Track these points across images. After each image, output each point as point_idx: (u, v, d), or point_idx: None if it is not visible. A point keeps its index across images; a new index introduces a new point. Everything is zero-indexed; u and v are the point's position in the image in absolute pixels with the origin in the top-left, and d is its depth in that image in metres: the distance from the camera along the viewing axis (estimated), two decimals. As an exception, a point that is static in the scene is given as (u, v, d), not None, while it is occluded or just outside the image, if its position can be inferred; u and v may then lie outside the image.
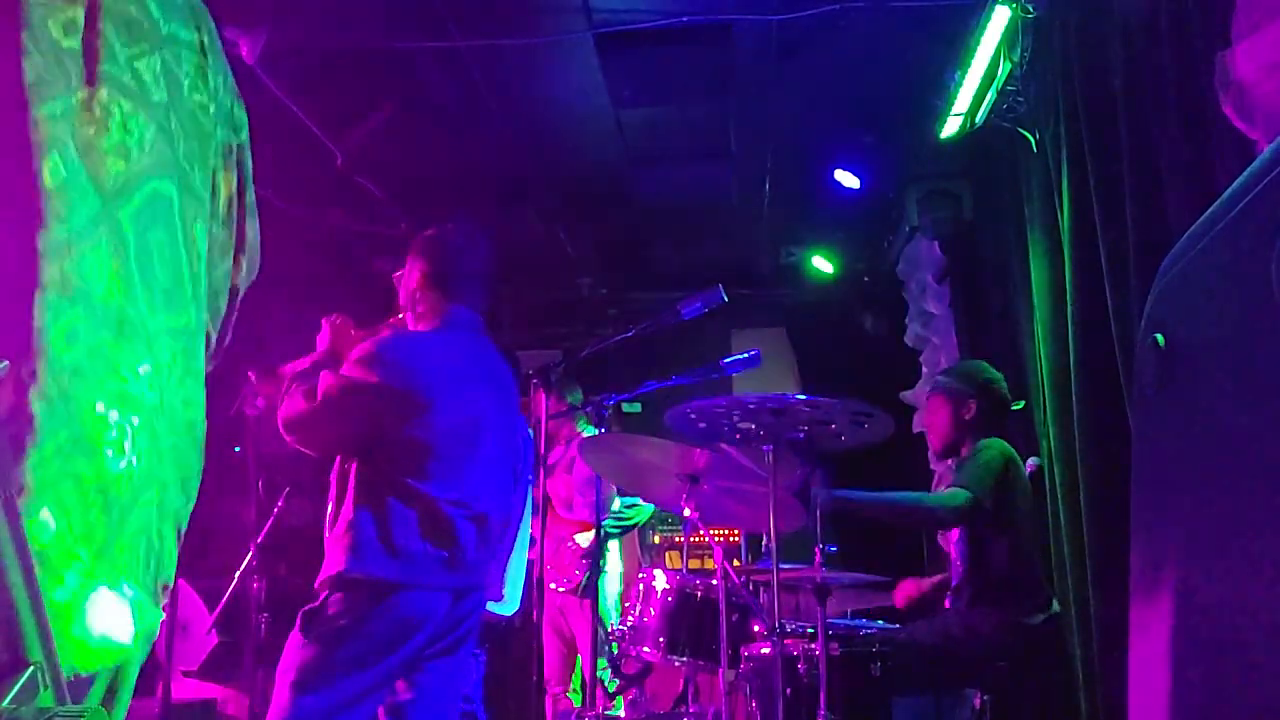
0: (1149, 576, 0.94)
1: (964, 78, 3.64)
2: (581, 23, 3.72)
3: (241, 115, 1.33)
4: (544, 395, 3.03)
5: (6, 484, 0.83)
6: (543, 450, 2.99)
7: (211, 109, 1.24)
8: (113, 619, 1.00)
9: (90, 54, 1.06)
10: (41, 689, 0.83)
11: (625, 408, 6.02)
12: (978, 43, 3.46)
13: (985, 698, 3.00)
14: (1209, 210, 0.83)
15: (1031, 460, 3.61)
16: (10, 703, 0.79)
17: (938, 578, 3.60)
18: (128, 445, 1.04)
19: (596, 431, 4.14)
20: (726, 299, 2.92)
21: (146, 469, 1.09)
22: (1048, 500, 3.51)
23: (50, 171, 1.00)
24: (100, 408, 1.01)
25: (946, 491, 3.11)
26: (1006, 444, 3.24)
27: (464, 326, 2.66)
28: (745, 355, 3.04)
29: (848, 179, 4.73)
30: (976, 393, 3.34)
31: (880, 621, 3.37)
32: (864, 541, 4.83)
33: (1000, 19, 3.33)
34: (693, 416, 2.65)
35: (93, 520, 0.98)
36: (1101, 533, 3.01)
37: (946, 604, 3.35)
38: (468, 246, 2.74)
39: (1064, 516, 3.32)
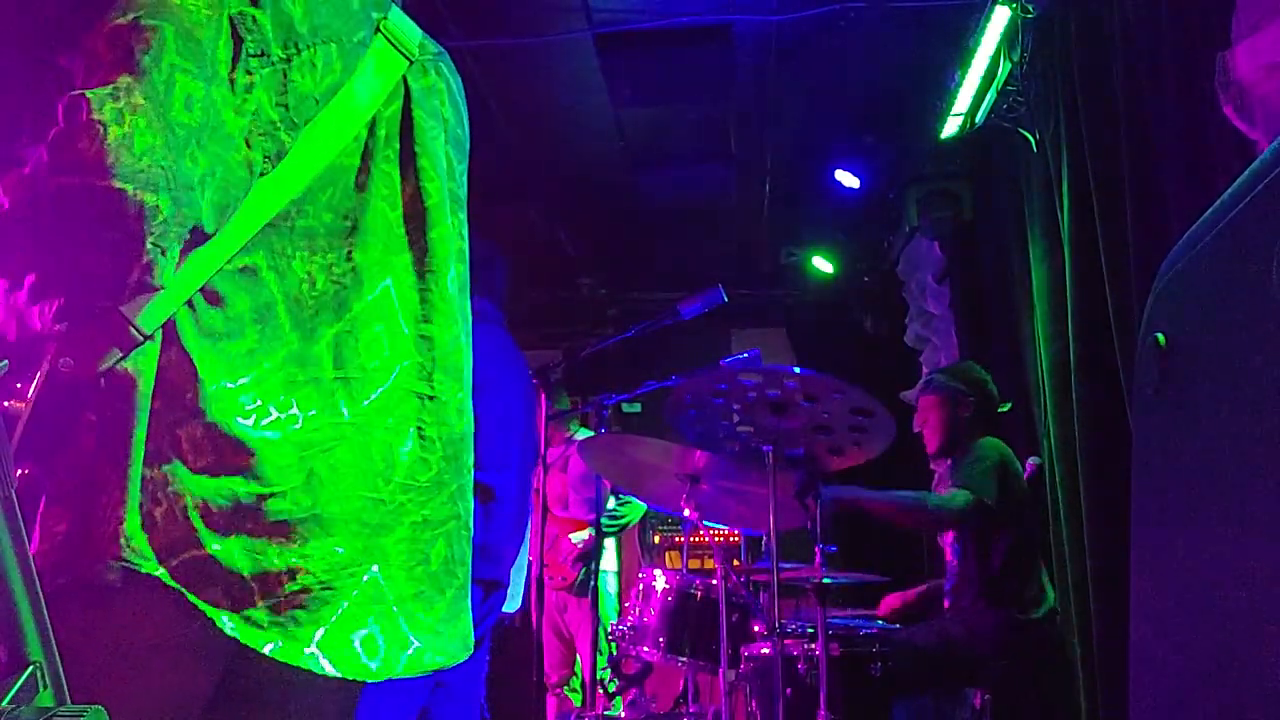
0: (1149, 575, 0.94)
1: (964, 78, 3.64)
2: (581, 23, 3.72)
3: None
4: (544, 396, 3.04)
5: (6, 483, 0.83)
6: (542, 449, 3.00)
7: None
8: (469, 622, 1.26)
9: (451, 172, 1.27)
10: (41, 689, 0.83)
11: (625, 408, 6.02)
12: (978, 43, 3.45)
13: (985, 697, 3.00)
14: (1209, 210, 0.83)
15: (1031, 460, 3.61)
16: (10, 703, 0.79)
17: (922, 588, 3.61)
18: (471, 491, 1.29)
19: (590, 433, 4.14)
20: (726, 299, 2.93)
21: None
22: (1048, 500, 3.51)
23: (448, 282, 1.21)
24: (470, 464, 1.27)
25: (948, 492, 3.12)
26: (1003, 444, 3.25)
27: (485, 318, 2.65)
28: (745, 355, 3.05)
29: (848, 179, 4.73)
30: (974, 391, 3.36)
31: (880, 621, 3.37)
32: (864, 542, 4.83)
33: (1000, 19, 3.33)
34: (689, 404, 2.64)
35: (464, 550, 1.23)
36: (1101, 532, 3.01)
37: (945, 605, 3.35)
38: (484, 247, 2.80)
39: (1064, 516, 3.32)
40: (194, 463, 0.99)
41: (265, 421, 1.03)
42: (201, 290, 1.02)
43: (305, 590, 1.03)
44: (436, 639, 1.15)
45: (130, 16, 0.94)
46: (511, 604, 3.73)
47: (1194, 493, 0.84)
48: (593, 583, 4.16)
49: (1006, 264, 4.17)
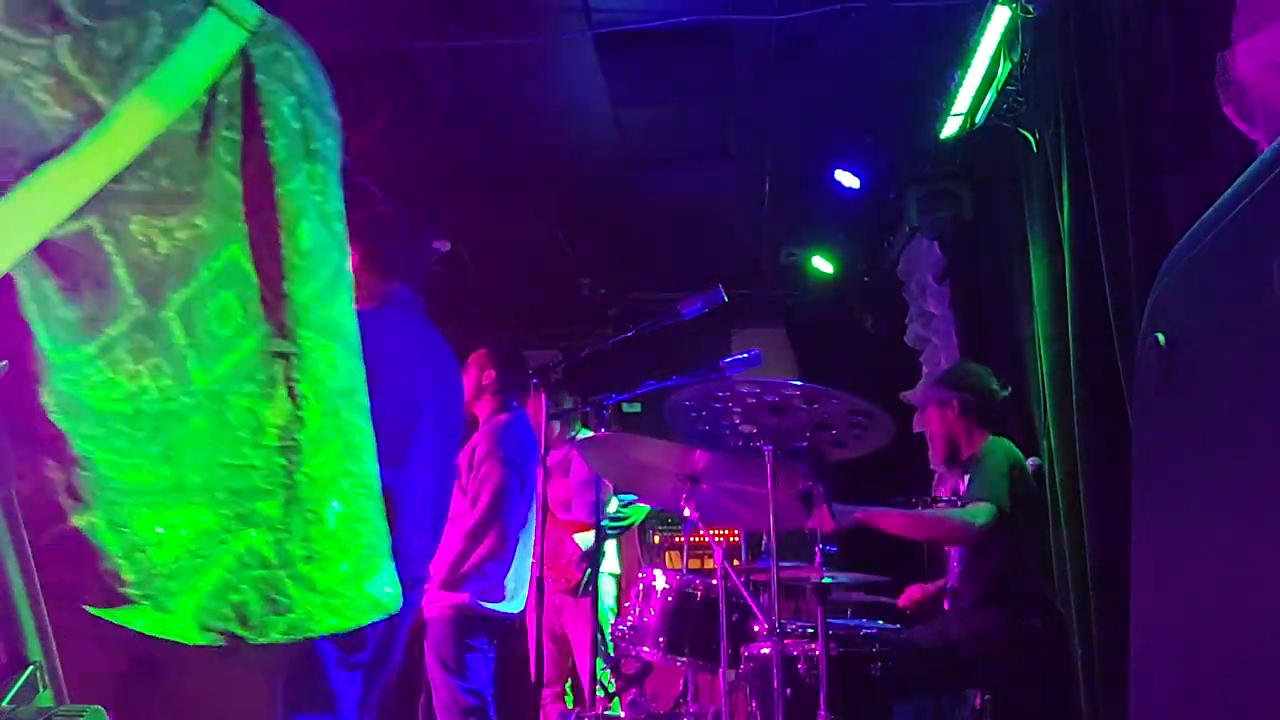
0: (1149, 576, 0.94)
1: (964, 78, 3.64)
2: (581, 23, 3.72)
3: None
4: (544, 396, 3.04)
5: (6, 482, 0.83)
6: (543, 451, 3.00)
7: None
8: (385, 583, 1.22)
9: (307, 134, 1.26)
10: (41, 689, 0.83)
11: (625, 408, 6.02)
12: (978, 43, 3.45)
13: (985, 698, 3.00)
14: (1209, 210, 0.83)
15: (1031, 460, 3.61)
16: (9, 702, 0.79)
17: (941, 582, 3.60)
18: (371, 449, 1.27)
19: (587, 433, 4.11)
20: (726, 299, 2.93)
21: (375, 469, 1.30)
22: (1048, 500, 3.51)
23: (302, 237, 1.19)
24: (359, 420, 1.24)
25: (971, 507, 3.08)
26: (1010, 444, 3.25)
27: (405, 306, 2.53)
28: (745, 355, 3.05)
29: (848, 179, 4.73)
30: (953, 388, 3.38)
31: (880, 621, 3.37)
32: (864, 542, 4.83)
33: (1000, 19, 3.33)
34: (689, 408, 2.64)
35: (364, 507, 1.21)
36: (1101, 532, 3.01)
37: (945, 605, 3.35)
38: (406, 226, 2.67)
39: (1064, 516, 3.32)
40: (51, 435, 0.99)
41: (114, 394, 1.03)
42: (34, 256, 1.01)
43: (175, 561, 1.03)
44: (336, 600, 1.14)
45: None
46: (515, 605, 3.74)
47: (1194, 492, 0.84)
48: (593, 584, 4.16)
49: (1006, 264, 4.17)
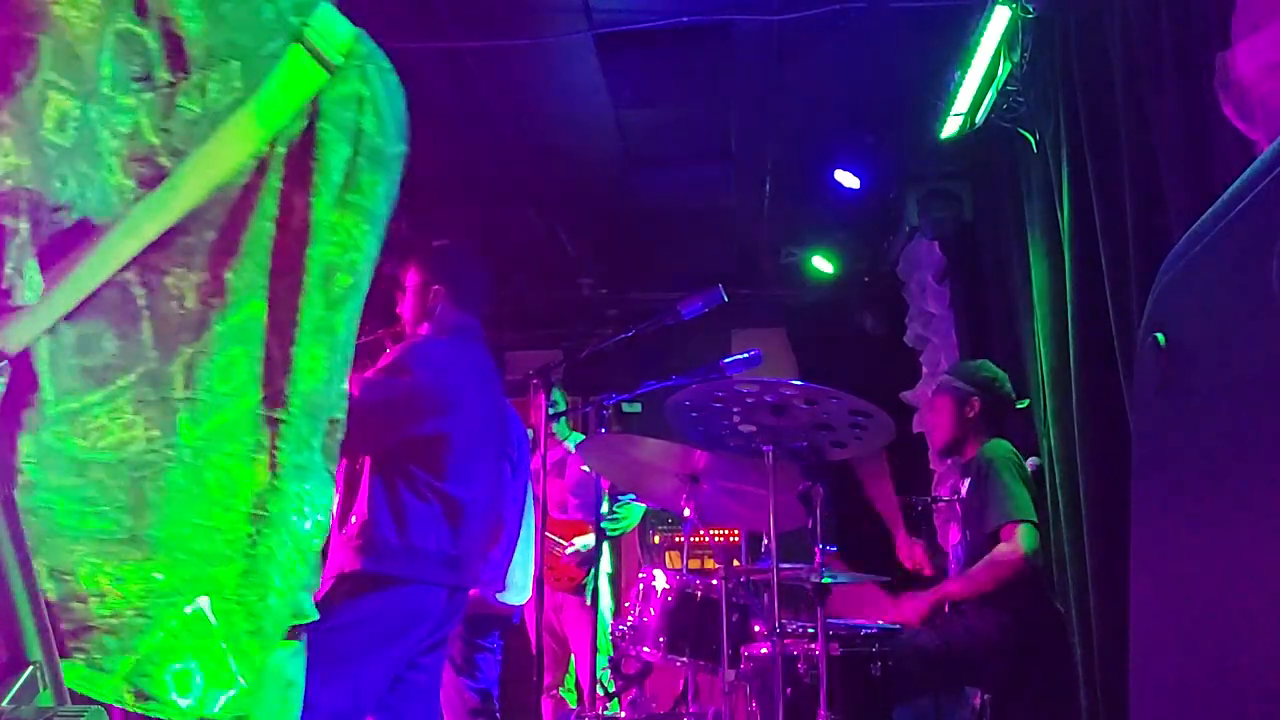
0: (1149, 576, 0.94)
1: (964, 78, 3.64)
2: (581, 23, 3.72)
3: None
4: (544, 397, 3.05)
5: (6, 482, 0.83)
6: (543, 451, 3.01)
7: None
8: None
9: (349, 185, 1.22)
10: (41, 689, 0.83)
11: (625, 408, 6.02)
12: (978, 43, 3.45)
13: (985, 698, 3.00)
14: (1209, 210, 0.83)
15: (1031, 460, 3.61)
16: (10, 703, 0.79)
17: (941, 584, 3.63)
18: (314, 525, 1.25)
19: (577, 438, 4.10)
20: (726, 299, 2.93)
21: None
22: (1048, 500, 3.51)
23: (317, 303, 1.16)
24: (308, 493, 1.19)
25: (1014, 541, 3.05)
26: (1010, 445, 3.25)
27: (471, 334, 2.79)
28: (745, 355, 3.05)
29: (848, 179, 4.72)
30: (979, 390, 3.36)
31: (880, 622, 3.37)
32: (864, 542, 4.82)
33: (1000, 19, 3.33)
34: (689, 408, 2.65)
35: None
36: (1101, 532, 3.01)
37: (945, 606, 3.34)
38: (476, 262, 2.96)
39: (1064, 516, 3.32)
40: (21, 480, 0.94)
41: (103, 443, 0.99)
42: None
43: (116, 616, 0.97)
44: (266, 676, 1.08)
45: (6, 30, 0.90)
46: (520, 596, 3.75)
47: (1194, 492, 0.84)
48: (593, 585, 4.16)
49: (1006, 264, 4.17)
